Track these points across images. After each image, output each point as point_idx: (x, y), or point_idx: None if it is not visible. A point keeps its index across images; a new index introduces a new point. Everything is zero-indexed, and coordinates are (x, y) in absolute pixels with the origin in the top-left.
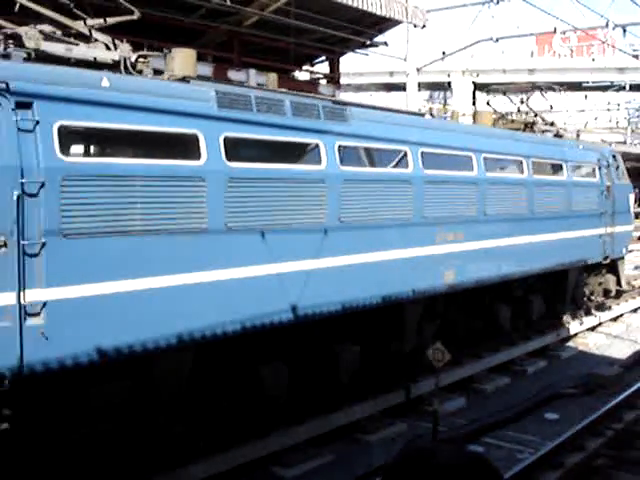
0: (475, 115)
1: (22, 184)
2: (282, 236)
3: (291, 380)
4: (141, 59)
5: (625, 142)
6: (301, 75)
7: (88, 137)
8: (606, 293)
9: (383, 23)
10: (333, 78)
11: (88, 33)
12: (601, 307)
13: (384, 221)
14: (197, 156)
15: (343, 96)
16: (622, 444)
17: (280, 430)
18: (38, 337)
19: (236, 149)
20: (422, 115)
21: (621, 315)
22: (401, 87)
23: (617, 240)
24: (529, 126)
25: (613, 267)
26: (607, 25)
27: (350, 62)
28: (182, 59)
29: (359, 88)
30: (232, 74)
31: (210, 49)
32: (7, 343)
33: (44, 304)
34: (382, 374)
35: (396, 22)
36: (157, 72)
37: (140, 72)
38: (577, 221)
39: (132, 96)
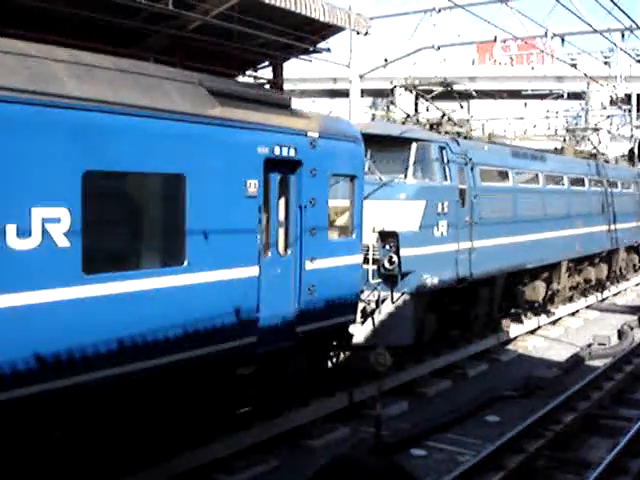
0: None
1: (461, 193)
2: (525, 223)
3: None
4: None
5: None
6: (244, 80)
7: (488, 173)
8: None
9: (326, 29)
10: (276, 83)
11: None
12: (541, 311)
13: (545, 216)
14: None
15: None
16: (561, 445)
17: (223, 436)
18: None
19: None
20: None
21: (560, 318)
22: (344, 93)
23: None
24: (593, 156)
25: (637, 250)
26: (546, 34)
27: (294, 68)
28: None
29: (303, 94)
30: None
31: (152, 53)
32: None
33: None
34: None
35: (339, 29)
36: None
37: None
38: (624, 217)
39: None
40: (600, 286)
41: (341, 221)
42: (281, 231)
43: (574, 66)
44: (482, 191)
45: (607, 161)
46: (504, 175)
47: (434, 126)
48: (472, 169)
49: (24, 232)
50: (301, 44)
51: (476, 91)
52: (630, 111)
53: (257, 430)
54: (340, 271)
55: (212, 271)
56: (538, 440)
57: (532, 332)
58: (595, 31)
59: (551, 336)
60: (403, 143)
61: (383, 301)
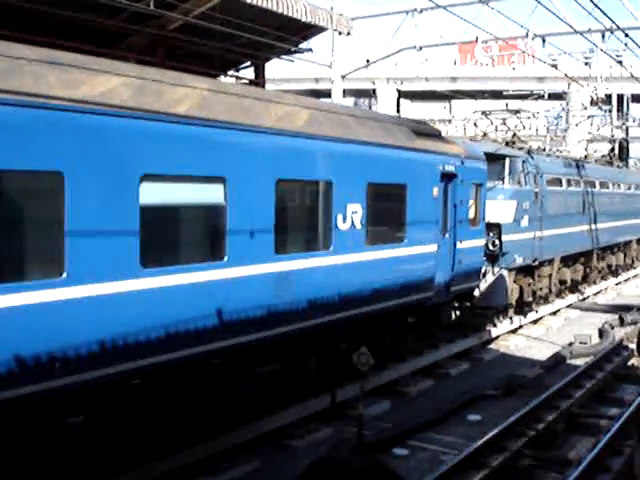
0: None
1: (535, 194)
2: (572, 218)
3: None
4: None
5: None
6: (226, 80)
7: (550, 179)
8: None
9: (308, 30)
10: (258, 84)
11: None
12: (522, 310)
13: (584, 212)
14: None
15: None
16: (543, 444)
17: (206, 438)
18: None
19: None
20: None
21: (541, 318)
22: (326, 94)
23: None
24: (610, 163)
25: None
26: (527, 35)
27: (276, 68)
28: None
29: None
30: None
31: (133, 53)
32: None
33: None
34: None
35: (321, 29)
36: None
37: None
38: (636, 214)
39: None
40: (615, 272)
41: (473, 215)
42: (446, 221)
43: (555, 67)
44: (547, 193)
45: (619, 166)
46: (559, 180)
47: (508, 143)
48: (541, 176)
49: (345, 219)
50: (283, 44)
51: (458, 91)
52: (610, 111)
53: (240, 431)
54: (473, 250)
55: (417, 246)
56: (520, 439)
57: (514, 331)
58: (576, 32)
59: (533, 335)
60: (499, 158)
61: (484, 275)
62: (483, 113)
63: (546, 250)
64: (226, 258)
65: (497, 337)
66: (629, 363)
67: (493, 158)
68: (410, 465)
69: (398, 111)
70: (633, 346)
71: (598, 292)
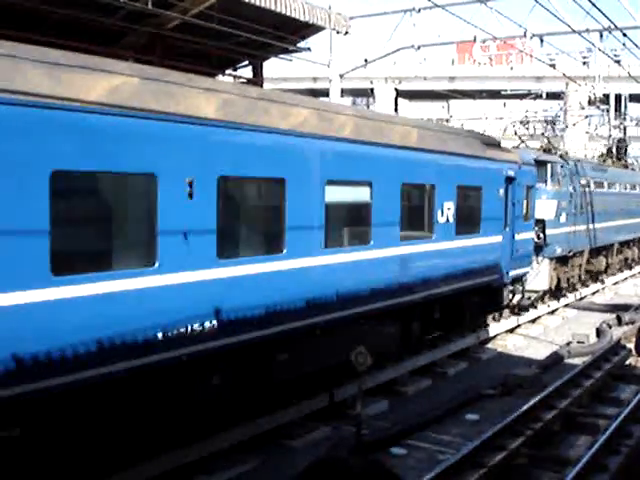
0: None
1: (570, 195)
2: (597, 215)
3: None
4: None
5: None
6: (224, 79)
7: (583, 182)
8: None
9: (306, 29)
10: (256, 83)
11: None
12: (520, 309)
13: (606, 210)
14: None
15: None
16: (541, 443)
17: (204, 437)
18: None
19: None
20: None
21: (539, 317)
22: (324, 93)
23: None
24: (626, 166)
25: None
26: (525, 35)
27: (274, 67)
28: None
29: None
30: None
31: (131, 51)
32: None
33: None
34: None
35: (319, 28)
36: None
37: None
38: None
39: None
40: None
41: (525, 212)
42: (507, 217)
43: (553, 66)
44: (578, 194)
45: (633, 169)
46: (588, 182)
47: (545, 150)
48: (574, 179)
49: (442, 214)
50: (281, 43)
51: (455, 91)
52: (608, 111)
53: (238, 430)
54: (526, 241)
55: (489, 237)
56: (517, 438)
57: (511, 331)
58: (574, 31)
59: (530, 335)
60: (542, 164)
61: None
62: (521, 122)
63: (578, 243)
64: (372, 242)
65: (495, 336)
66: (627, 362)
67: (538, 163)
68: (408, 464)
69: (396, 111)
70: (631, 345)
71: (596, 292)
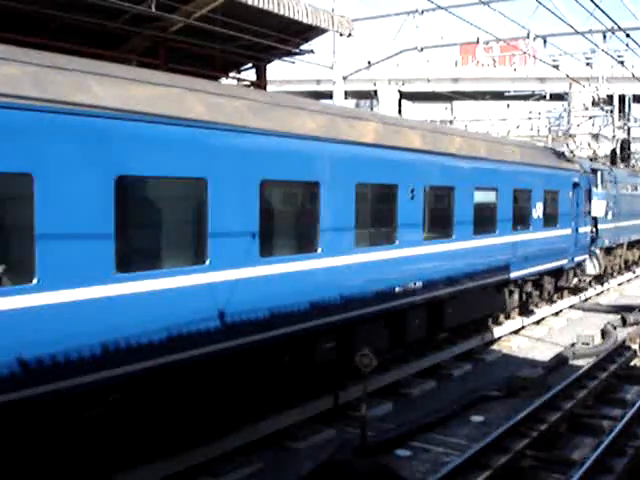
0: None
1: (614, 197)
2: (632, 213)
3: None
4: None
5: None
6: (228, 82)
7: (622, 186)
8: None
9: (309, 31)
10: (260, 85)
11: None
12: (524, 311)
13: (633, 210)
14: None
15: None
16: (546, 445)
17: (208, 440)
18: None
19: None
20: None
21: (543, 318)
22: (328, 95)
23: None
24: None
25: None
26: (528, 36)
27: (277, 69)
28: None
29: None
30: None
31: (135, 55)
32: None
33: (616, 228)
34: None
35: (322, 30)
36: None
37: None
38: None
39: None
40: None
41: (584, 210)
42: (573, 214)
43: (556, 67)
44: (620, 195)
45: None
46: (626, 186)
47: (592, 159)
48: (616, 183)
49: (536, 211)
50: (284, 46)
51: (459, 92)
52: (612, 112)
53: (243, 432)
54: (585, 234)
55: (563, 229)
56: (522, 440)
57: (516, 332)
58: (577, 32)
59: (535, 336)
60: (594, 171)
61: None
62: (570, 136)
63: (620, 236)
64: (453, 236)
65: (499, 338)
66: (632, 364)
67: (591, 171)
68: (413, 466)
69: (399, 112)
70: (636, 347)
71: (600, 293)
